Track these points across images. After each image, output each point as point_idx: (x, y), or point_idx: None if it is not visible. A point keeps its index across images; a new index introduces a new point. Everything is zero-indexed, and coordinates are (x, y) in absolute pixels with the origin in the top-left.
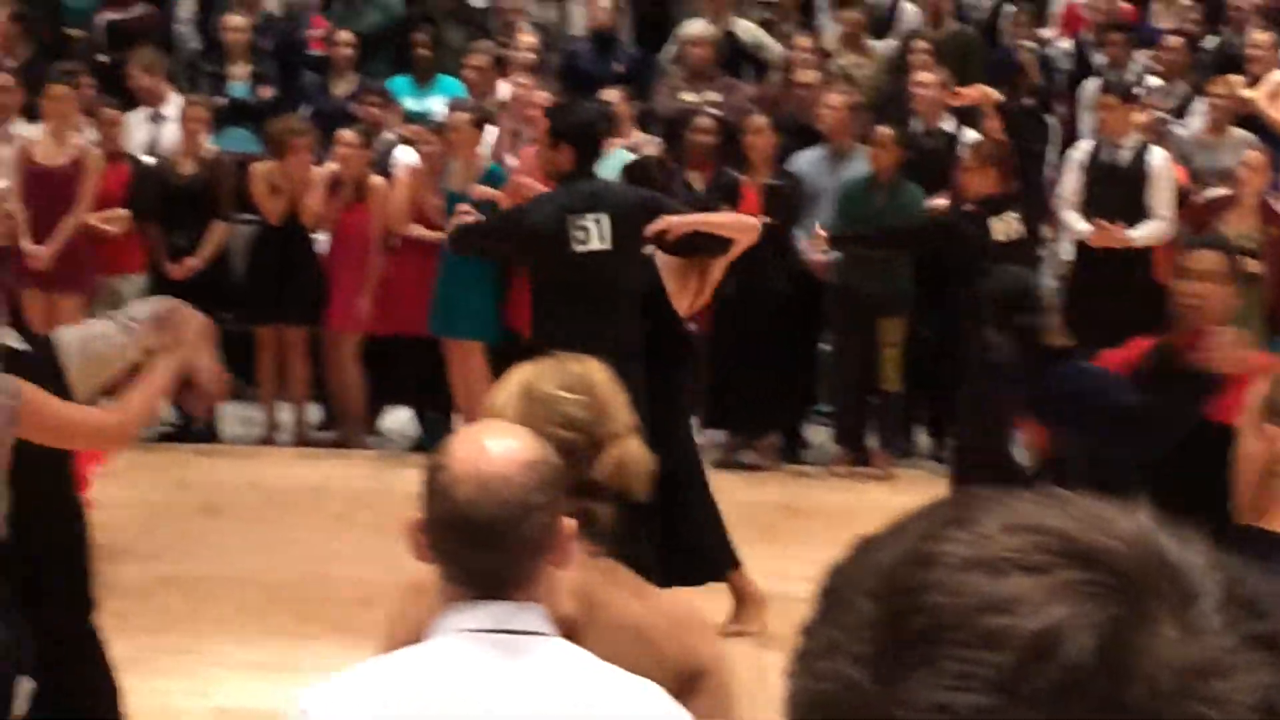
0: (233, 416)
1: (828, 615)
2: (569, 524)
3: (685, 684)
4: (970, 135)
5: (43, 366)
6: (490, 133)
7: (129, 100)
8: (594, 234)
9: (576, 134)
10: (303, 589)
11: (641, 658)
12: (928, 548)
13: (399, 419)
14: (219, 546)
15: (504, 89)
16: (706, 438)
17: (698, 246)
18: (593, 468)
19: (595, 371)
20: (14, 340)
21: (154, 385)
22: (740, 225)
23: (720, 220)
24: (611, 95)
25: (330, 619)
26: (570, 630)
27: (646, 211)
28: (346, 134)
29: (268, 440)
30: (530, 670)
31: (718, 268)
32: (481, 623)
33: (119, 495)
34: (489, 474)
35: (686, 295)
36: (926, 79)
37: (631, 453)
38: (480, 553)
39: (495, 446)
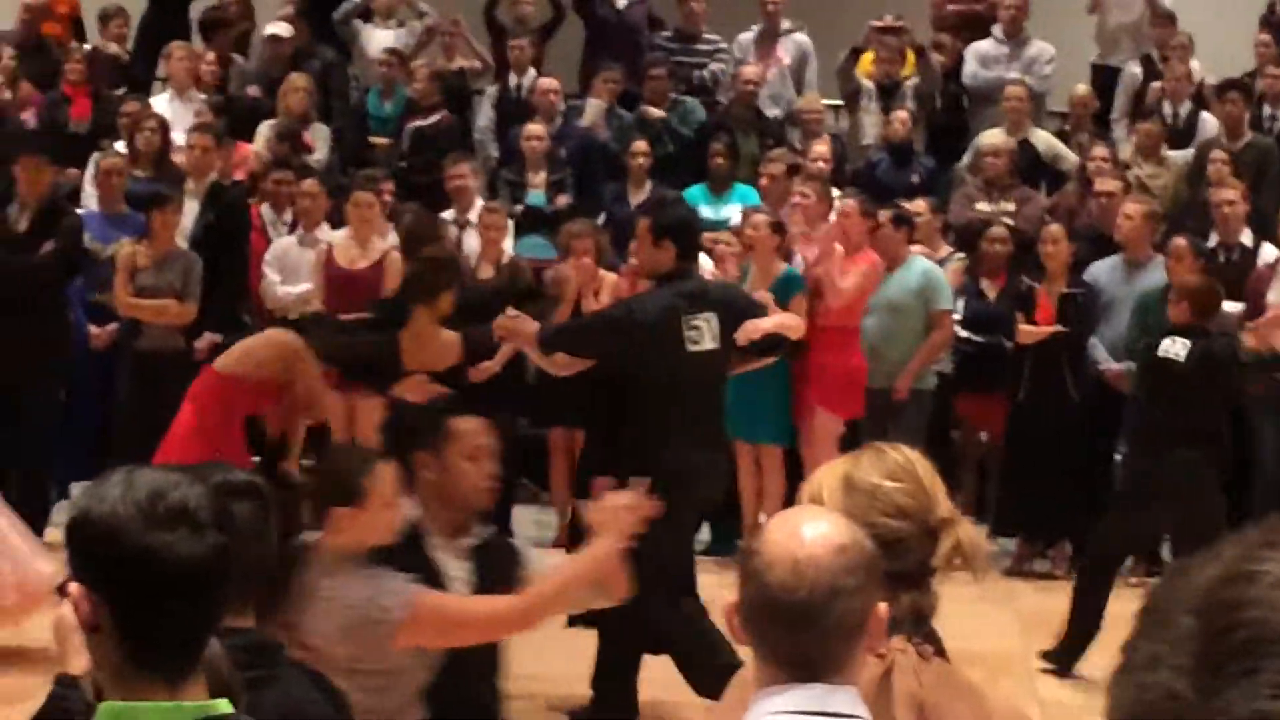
0: (526, 519)
1: (1149, 631)
2: (882, 608)
3: None
4: (1269, 250)
5: (507, 557)
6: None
7: (432, 206)
8: (706, 333)
9: (677, 231)
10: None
11: None
12: (1246, 567)
13: None
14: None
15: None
16: (998, 545)
17: (773, 347)
18: (924, 556)
19: (916, 459)
20: (485, 533)
21: (573, 579)
22: (798, 326)
23: (788, 322)
24: (918, 207)
25: None
26: None
27: (745, 311)
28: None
29: (559, 543)
30: None
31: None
32: (795, 705)
33: None
34: (801, 557)
35: None
36: (1226, 195)
37: (969, 537)
38: (792, 635)
39: (808, 530)
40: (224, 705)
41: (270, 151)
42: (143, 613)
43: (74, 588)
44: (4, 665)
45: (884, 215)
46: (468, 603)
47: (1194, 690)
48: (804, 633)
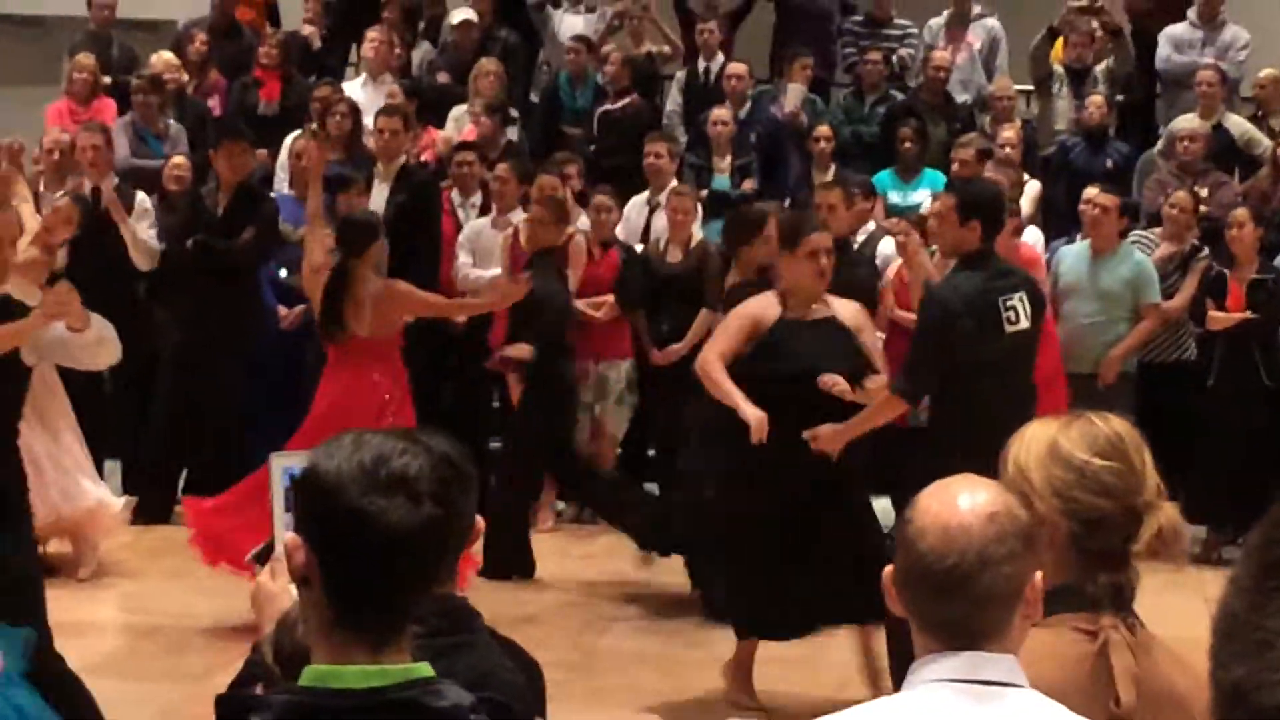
0: None
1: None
2: (1038, 578)
3: None
4: None
5: None
6: None
7: (621, 189)
8: (1021, 312)
9: (985, 210)
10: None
11: None
12: None
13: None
14: None
15: None
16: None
17: None
18: (1126, 536)
19: (1127, 433)
20: None
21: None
22: None
23: None
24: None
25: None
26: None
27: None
28: None
29: None
30: None
31: None
32: (951, 673)
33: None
34: (951, 525)
35: None
36: None
37: (1171, 523)
38: (943, 603)
39: (959, 498)
40: (426, 669)
41: (478, 127)
42: (349, 572)
43: (290, 537)
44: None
45: (1110, 201)
46: None
47: (1244, 608)
48: (955, 600)
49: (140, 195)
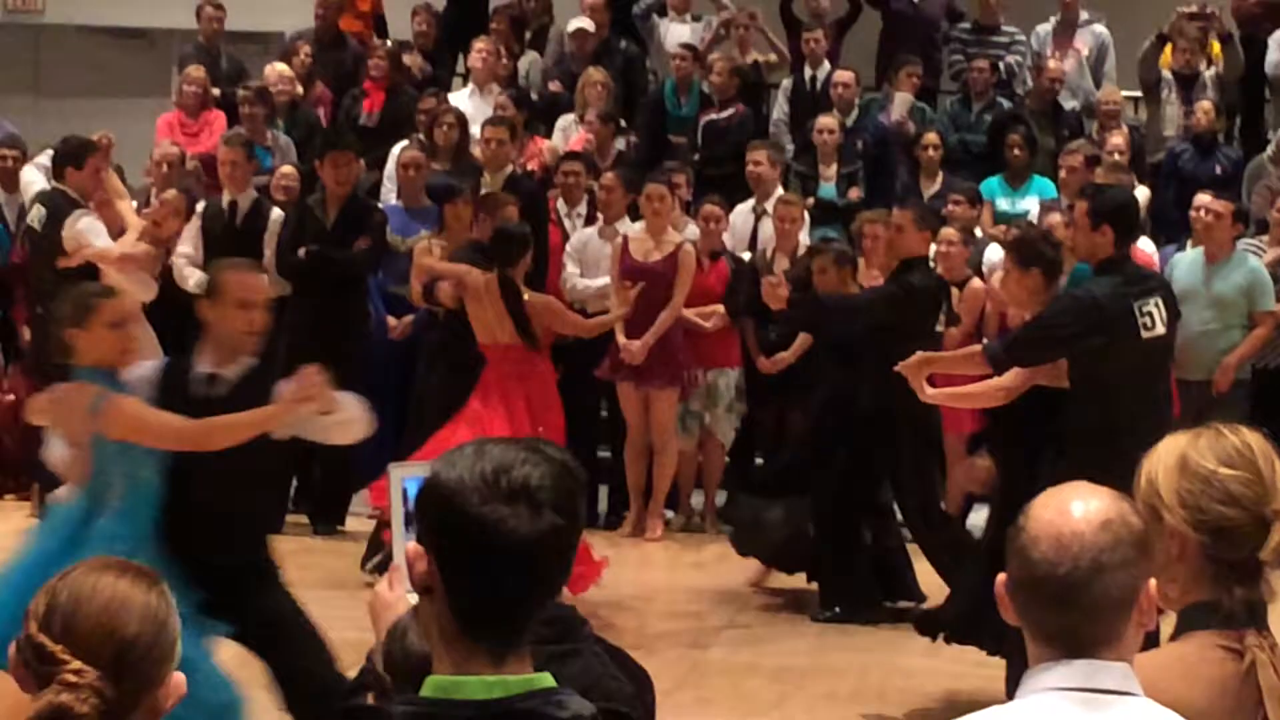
0: None
1: None
2: (1152, 585)
3: None
4: None
5: None
6: None
7: (727, 198)
8: (1157, 318)
9: (1117, 215)
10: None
11: None
12: None
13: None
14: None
15: None
16: None
17: None
18: (1254, 548)
19: (1256, 443)
20: None
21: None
22: None
23: None
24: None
25: None
26: None
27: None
28: (950, 232)
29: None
30: None
31: None
32: (1065, 681)
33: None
34: (1064, 533)
35: None
36: None
37: None
38: (1057, 611)
39: (1073, 506)
40: (547, 679)
41: (590, 137)
42: (469, 581)
43: (412, 546)
44: None
45: (1223, 207)
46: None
47: None
48: (1068, 609)
49: (276, 211)
